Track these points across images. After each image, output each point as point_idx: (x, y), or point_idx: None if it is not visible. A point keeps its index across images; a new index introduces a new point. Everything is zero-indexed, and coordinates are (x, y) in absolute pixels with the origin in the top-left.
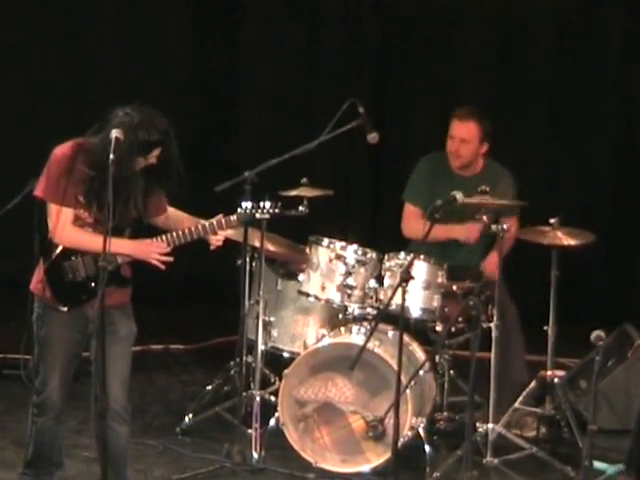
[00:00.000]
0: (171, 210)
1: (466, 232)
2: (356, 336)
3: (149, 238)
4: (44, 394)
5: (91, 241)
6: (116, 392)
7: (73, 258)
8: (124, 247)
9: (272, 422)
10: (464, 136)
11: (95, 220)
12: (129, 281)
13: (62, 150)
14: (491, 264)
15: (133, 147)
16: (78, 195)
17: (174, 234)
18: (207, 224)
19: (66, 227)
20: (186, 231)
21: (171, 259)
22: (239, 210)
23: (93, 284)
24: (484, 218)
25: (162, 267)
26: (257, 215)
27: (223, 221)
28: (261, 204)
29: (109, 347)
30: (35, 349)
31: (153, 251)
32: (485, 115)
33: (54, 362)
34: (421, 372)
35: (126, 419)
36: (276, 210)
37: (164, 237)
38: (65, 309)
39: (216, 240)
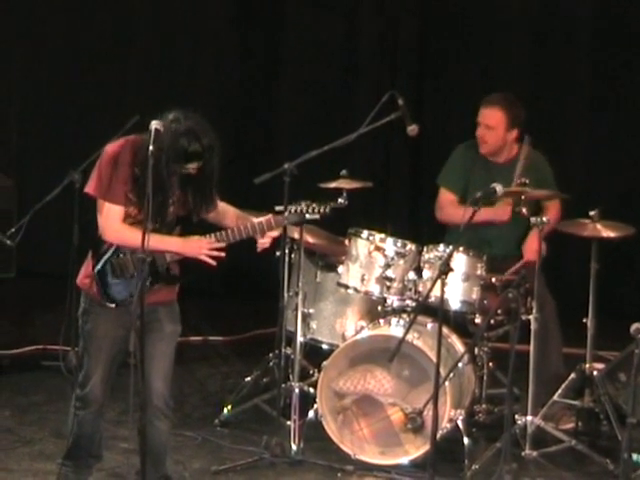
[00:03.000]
0: (222, 205)
1: (496, 214)
2: (395, 328)
3: (198, 235)
4: (87, 388)
5: (138, 238)
6: (159, 389)
7: (122, 255)
8: (173, 245)
9: (311, 414)
10: (489, 122)
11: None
12: (177, 279)
13: (113, 148)
14: (532, 253)
15: (170, 151)
16: (128, 193)
17: (222, 233)
18: (257, 224)
19: (115, 225)
20: (235, 230)
21: (222, 255)
22: (289, 210)
23: (139, 282)
24: (523, 210)
25: (213, 263)
26: (307, 216)
27: (273, 221)
28: (311, 204)
29: (154, 344)
30: (80, 343)
31: (203, 247)
32: (514, 102)
33: (98, 357)
34: (460, 364)
35: (167, 415)
36: (326, 210)
37: (214, 235)
38: (112, 306)
39: (263, 243)
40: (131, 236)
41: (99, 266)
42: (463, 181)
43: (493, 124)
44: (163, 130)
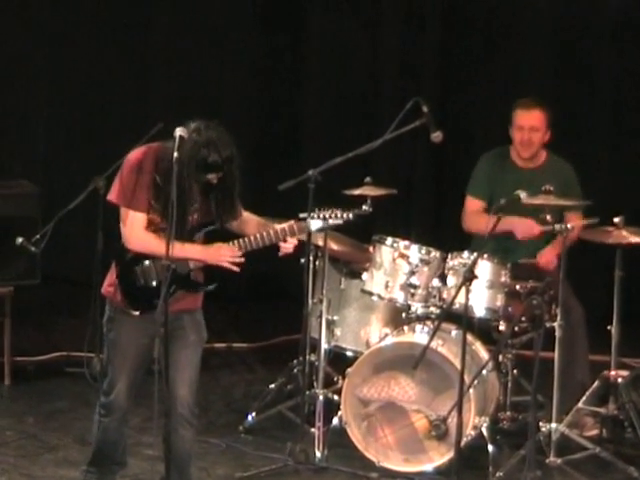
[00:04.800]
0: (245, 214)
1: (524, 229)
2: (419, 335)
3: (221, 243)
4: (111, 395)
5: (161, 246)
6: (184, 397)
7: (146, 263)
8: (194, 252)
9: (335, 421)
10: (534, 124)
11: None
12: (200, 286)
13: (135, 155)
14: (546, 258)
15: (190, 162)
16: (150, 200)
17: (246, 240)
18: (279, 230)
19: (138, 232)
20: (258, 237)
21: (242, 260)
22: (312, 216)
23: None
24: (548, 217)
25: (236, 269)
26: (330, 222)
27: (295, 227)
28: (334, 211)
29: (178, 352)
30: (104, 351)
31: (224, 254)
32: (544, 103)
33: (122, 365)
34: (484, 371)
35: (192, 423)
36: (349, 216)
37: (236, 242)
38: (137, 313)
39: (285, 248)
40: (155, 244)
41: (122, 274)
42: (489, 189)
43: (537, 125)
44: (185, 140)
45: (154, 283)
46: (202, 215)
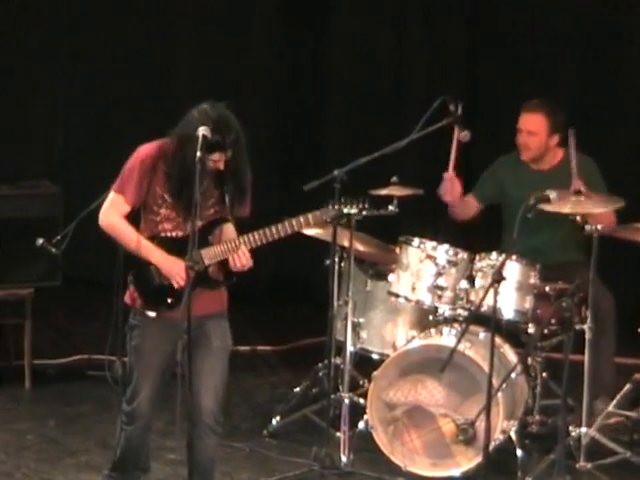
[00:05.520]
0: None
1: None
2: (447, 338)
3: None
4: (134, 403)
5: (126, 235)
6: (208, 407)
7: None
8: (154, 257)
9: (361, 425)
10: (531, 128)
11: (184, 220)
12: (219, 284)
13: (145, 150)
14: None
15: (193, 141)
16: (163, 194)
17: (255, 235)
18: (294, 221)
19: (111, 213)
20: (273, 229)
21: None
22: (326, 205)
23: (177, 287)
24: (578, 218)
25: (177, 286)
26: (345, 210)
27: (310, 217)
28: (348, 200)
29: (202, 359)
30: (128, 359)
31: (176, 274)
32: (553, 107)
33: (146, 373)
34: (513, 375)
35: (217, 431)
36: (365, 205)
37: (245, 237)
38: (153, 314)
39: (238, 260)
40: (122, 230)
41: (138, 273)
42: (490, 190)
43: (535, 130)
44: (187, 119)
45: (168, 281)
46: (219, 211)
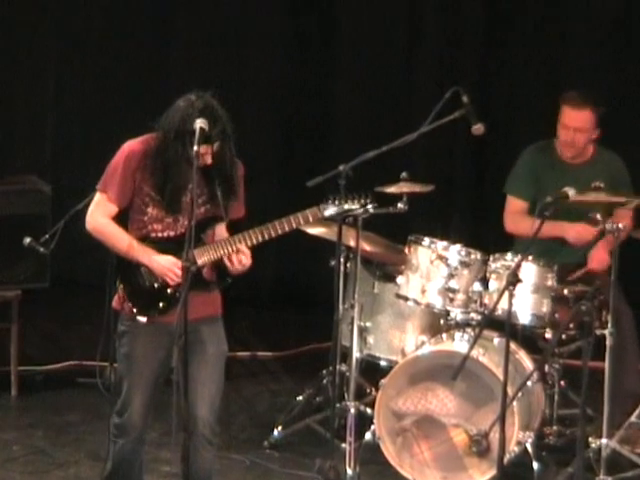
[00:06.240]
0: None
1: (577, 234)
2: (459, 343)
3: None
4: (125, 415)
5: (114, 236)
6: (204, 417)
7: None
8: (144, 256)
9: (367, 436)
10: (579, 125)
11: (174, 220)
12: (212, 284)
13: (130, 146)
14: (598, 260)
15: (176, 131)
16: (150, 192)
17: (251, 233)
18: (292, 218)
19: (97, 214)
20: (270, 227)
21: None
22: (327, 203)
23: (169, 290)
24: (597, 216)
25: (172, 283)
26: (345, 206)
27: (309, 213)
28: (349, 195)
29: (197, 367)
30: (117, 367)
31: (170, 269)
32: (597, 99)
33: (137, 382)
34: (529, 382)
35: (213, 443)
36: (367, 201)
37: (240, 235)
38: (144, 320)
39: (235, 264)
40: (110, 231)
41: (126, 276)
42: (533, 187)
43: (583, 126)
44: (172, 109)
45: (158, 284)
46: (211, 210)
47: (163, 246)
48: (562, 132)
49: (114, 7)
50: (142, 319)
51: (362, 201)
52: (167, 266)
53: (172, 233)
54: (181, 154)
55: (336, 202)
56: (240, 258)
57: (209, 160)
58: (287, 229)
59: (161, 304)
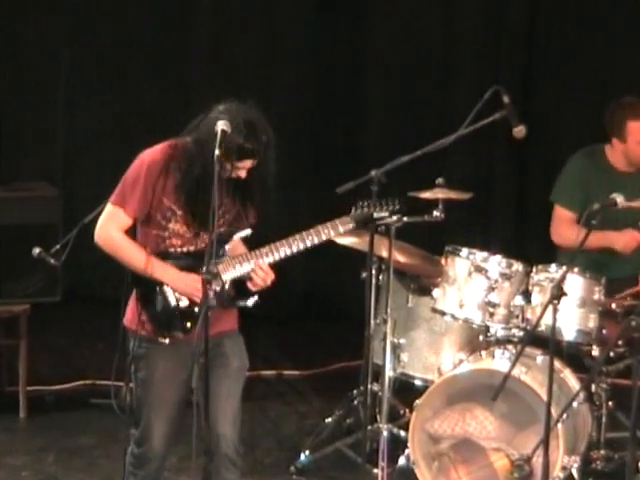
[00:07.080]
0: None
1: (624, 240)
2: (499, 361)
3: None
4: (145, 445)
5: (130, 252)
6: (227, 435)
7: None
8: (165, 275)
9: (401, 460)
10: None
11: (195, 235)
12: (234, 300)
13: (151, 155)
14: None
15: (222, 147)
16: (171, 205)
17: (278, 246)
18: (320, 228)
19: (111, 228)
20: (297, 238)
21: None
22: (355, 208)
23: (197, 309)
24: None
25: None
26: (375, 214)
27: (339, 223)
28: (377, 201)
29: (219, 382)
30: (135, 393)
31: (196, 292)
32: None
33: (158, 408)
34: (575, 403)
35: (237, 465)
36: (396, 206)
37: (268, 249)
38: (166, 341)
39: (256, 280)
40: (125, 247)
41: (145, 295)
42: (583, 196)
43: None
44: (212, 120)
45: (184, 303)
46: (229, 222)
47: (183, 262)
48: (631, 145)
49: (128, 9)
50: (164, 341)
51: (390, 207)
52: (195, 285)
53: (192, 248)
54: (222, 169)
55: (364, 209)
56: (265, 278)
57: (243, 174)
58: (316, 241)
59: (188, 324)
